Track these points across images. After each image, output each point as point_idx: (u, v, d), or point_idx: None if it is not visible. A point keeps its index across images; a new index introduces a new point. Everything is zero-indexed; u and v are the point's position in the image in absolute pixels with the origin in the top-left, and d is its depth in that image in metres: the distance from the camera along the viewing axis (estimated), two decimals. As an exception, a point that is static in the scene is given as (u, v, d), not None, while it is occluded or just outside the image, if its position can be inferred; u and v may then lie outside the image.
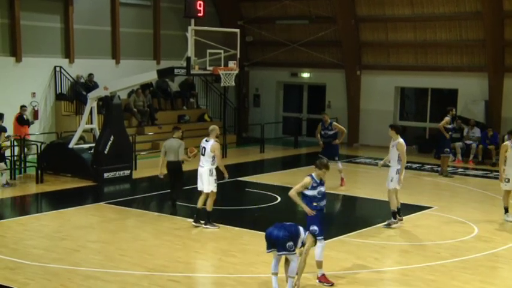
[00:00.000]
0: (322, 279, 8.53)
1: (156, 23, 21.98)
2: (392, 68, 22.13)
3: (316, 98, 24.33)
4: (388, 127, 12.11)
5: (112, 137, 15.49)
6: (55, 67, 19.04)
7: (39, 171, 15.20)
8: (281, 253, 7.97)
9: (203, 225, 11.30)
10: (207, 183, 11.16)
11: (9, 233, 10.99)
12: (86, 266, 9.14)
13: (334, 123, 15.32)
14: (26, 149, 16.43)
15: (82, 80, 19.60)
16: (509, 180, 12.24)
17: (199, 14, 14.35)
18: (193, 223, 11.39)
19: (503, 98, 20.11)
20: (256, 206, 13.42)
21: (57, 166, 15.96)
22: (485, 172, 17.99)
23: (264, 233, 8.24)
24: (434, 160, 19.37)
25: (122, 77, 18.23)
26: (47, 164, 15.74)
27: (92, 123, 16.56)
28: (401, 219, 11.79)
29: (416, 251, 10.31)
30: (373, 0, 21.60)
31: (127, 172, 15.90)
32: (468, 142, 19.58)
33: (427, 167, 18.61)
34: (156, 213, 12.69)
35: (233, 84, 14.63)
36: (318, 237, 8.40)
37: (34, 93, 18.56)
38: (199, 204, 11.39)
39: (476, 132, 19.68)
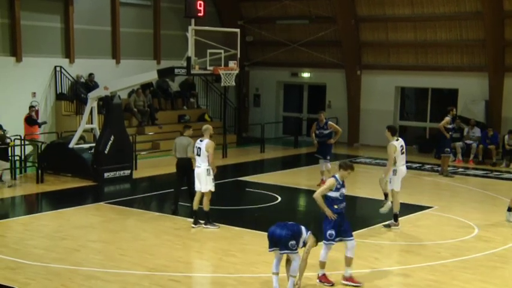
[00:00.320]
0: (323, 279, 8.54)
1: (157, 22, 21.98)
2: (393, 67, 22.14)
3: (317, 98, 24.33)
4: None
5: (112, 136, 15.49)
6: (55, 67, 19.04)
7: (40, 171, 15.21)
8: (283, 252, 7.98)
9: (203, 225, 11.30)
10: (204, 182, 11.15)
11: (10, 233, 11.00)
12: (86, 266, 9.14)
13: (330, 122, 15.22)
14: (31, 149, 16.47)
15: (82, 80, 19.61)
16: None
17: (199, 14, 14.36)
18: (193, 225, 11.38)
19: (503, 97, 20.12)
20: (257, 206, 13.41)
21: (57, 166, 15.97)
22: (485, 172, 18.00)
23: (265, 233, 8.25)
24: (435, 160, 19.37)
25: (122, 76, 18.23)
26: (47, 164, 15.74)
27: (92, 123, 16.57)
28: (397, 224, 11.76)
29: (416, 251, 10.31)
30: (373, 0, 21.59)
31: (127, 172, 15.91)
32: (468, 142, 19.58)
33: (427, 166, 18.61)
34: (157, 213, 12.69)
35: (233, 84, 14.64)
36: (329, 242, 8.35)
37: (34, 93, 18.56)
38: (195, 205, 11.39)
39: (477, 132, 19.68)
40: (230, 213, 12.88)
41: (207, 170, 11.09)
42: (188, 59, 13.85)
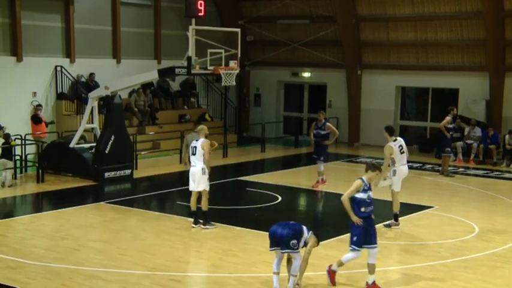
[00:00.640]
0: (331, 274, 8.44)
1: (157, 22, 21.98)
2: (393, 67, 22.13)
3: (317, 98, 24.32)
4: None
5: (113, 136, 15.50)
6: (56, 67, 19.04)
7: (40, 171, 15.21)
8: (284, 251, 7.98)
9: (202, 226, 11.27)
10: (199, 182, 11.11)
11: (10, 233, 11.01)
12: (87, 266, 9.15)
13: (328, 124, 15.00)
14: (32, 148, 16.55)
15: (83, 80, 19.61)
16: None
17: (200, 14, 14.37)
18: (193, 225, 11.37)
19: (504, 97, 20.10)
20: (257, 206, 13.41)
21: (58, 166, 15.97)
22: (486, 172, 17.99)
23: (265, 232, 8.24)
24: (435, 160, 19.36)
25: (122, 76, 18.23)
26: (47, 164, 15.75)
27: (92, 122, 16.57)
28: (397, 224, 11.78)
29: (417, 251, 10.31)
30: (374, 0, 21.59)
31: (128, 172, 15.91)
32: (469, 142, 19.57)
33: (427, 166, 18.61)
34: (157, 213, 12.69)
35: (234, 83, 14.64)
36: (354, 247, 8.22)
37: (35, 92, 18.57)
38: (193, 206, 11.37)
39: (477, 131, 19.67)
40: (231, 213, 12.89)
41: (202, 169, 11.08)
42: (189, 59, 13.85)
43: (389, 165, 11.55)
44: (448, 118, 16.89)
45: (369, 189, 8.30)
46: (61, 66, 19.10)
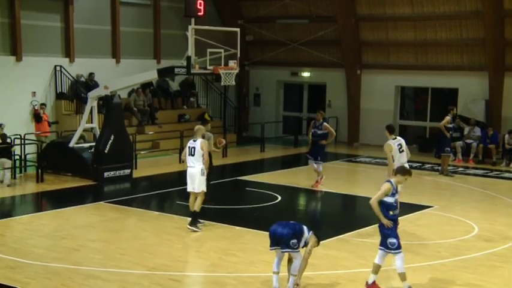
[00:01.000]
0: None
1: (157, 22, 21.97)
2: (393, 67, 22.13)
3: (317, 97, 24.32)
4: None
5: (112, 136, 15.49)
6: (55, 66, 19.04)
7: (40, 171, 15.21)
8: (285, 251, 7.98)
9: (188, 226, 11.12)
10: (198, 183, 11.02)
11: (10, 232, 11.00)
12: (86, 265, 9.14)
13: (325, 124, 14.89)
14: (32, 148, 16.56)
15: (82, 79, 19.61)
16: None
17: (199, 13, 14.37)
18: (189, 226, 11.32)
19: (503, 97, 20.11)
20: (257, 206, 13.41)
21: (57, 165, 15.96)
22: (485, 171, 18.00)
23: (265, 232, 8.24)
24: (435, 159, 19.36)
25: (122, 76, 18.23)
26: (47, 163, 15.74)
27: (92, 122, 16.57)
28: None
29: (416, 250, 10.31)
30: (374, 0, 21.58)
31: (127, 171, 15.91)
32: (468, 141, 19.58)
33: (427, 166, 18.61)
34: (156, 213, 12.69)
35: (233, 83, 14.64)
36: (396, 251, 8.07)
37: (34, 92, 18.56)
38: (192, 207, 11.31)
39: (477, 131, 19.68)
40: (230, 212, 12.89)
41: (202, 170, 11.04)
42: (188, 59, 13.85)
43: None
44: (448, 118, 16.90)
45: (396, 192, 8.20)
46: (60, 66, 19.10)
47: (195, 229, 11.06)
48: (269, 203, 13.53)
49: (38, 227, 11.38)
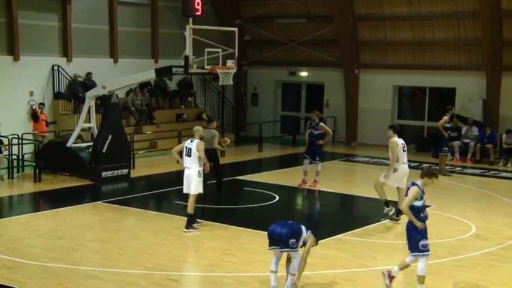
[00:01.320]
0: None
1: (154, 21, 21.95)
2: (391, 66, 22.15)
3: (315, 97, 24.33)
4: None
5: (110, 136, 15.48)
6: (53, 66, 19.01)
7: (37, 170, 15.18)
8: (283, 250, 7.98)
9: (184, 229, 11.06)
10: (195, 185, 10.97)
11: (7, 232, 10.98)
12: (84, 265, 9.13)
13: (321, 124, 14.85)
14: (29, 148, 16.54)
15: (80, 79, 19.58)
16: None
17: (197, 13, 14.35)
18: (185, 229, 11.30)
19: (500, 96, 20.14)
20: (255, 205, 13.41)
21: (55, 165, 15.94)
22: (483, 171, 18.02)
23: (263, 232, 8.24)
24: (433, 159, 19.38)
25: (120, 75, 18.20)
26: (44, 163, 15.72)
27: (90, 122, 16.55)
28: (398, 219, 11.85)
29: (414, 250, 10.31)
30: (371, -1, 21.64)
31: (125, 171, 15.89)
32: (466, 141, 19.61)
33: (425, 165, 18.61)
34: (154, 212, 12.68)
35: (231, 83, 14.63)
36: (426, 252, 8.03)
37: (32, 92, 18.53)
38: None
39: (474, 131, 19.71)
40: (228, 212, 12.89)
41: (198, 172, 11.01)
42: (186, 58, 13.84)
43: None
44: (446, 117, 16.92)
45: (424, 194, 8.16)
46: (58, 66, 19.07)
47: (192, 231, 11.05)
48: (267, 203, 13.53)
49: (35, 226, 11.37)
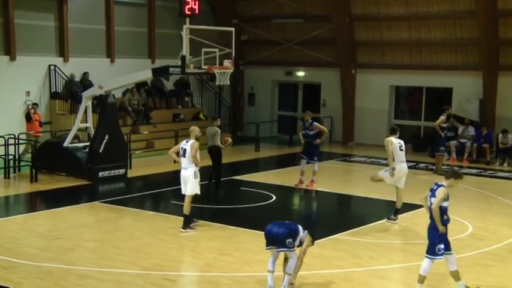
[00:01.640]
0: None
1: (151, 21, 21.94)
2: (387, 66, 22.17)
3: (311, 97, 24.34)
4: None
5: (107, 136, 15.46)
6: (49, 66, 18.98)
7: (34, 170, 15.15)
8: (280, 250, 7.98)
9: (181, 229, 11.04)
10: (190, 185, 10.93)
11: (4, 232, 10.95)
12: (80, 265, 9.12)
13: (315, 123, 14.88)
14: (22, 148, 16.45)
15: (77, 79, 19.55)
16: None
17: (194, 13, 14.33)
18: (182, 229, 11.29)
19: (497, 96, 20.17)
20: (252, 205, 13.41)
21: (51, 165, 15.91)
22: (479, 170, 18.05)
23: (260, 232, 8.24)
24: (429, 159, 19.40)
25: (116, 75, 18.19)
26: (41, 163, 15.69)
27: (86, 122, 16.52)
28: (395, 219, 11.88)
29: (411, 249, 10.34)
30: (368, -1, 21.65)
31: (122, 171, 15.87)
32: (463, 141, 19.63)
33: (421, 165, 18.65)
34: (151, 212, 12.67)
35: (228, 83, 14.64)
36: (438, 257, 8.03)
37: (28, 92, 18.51)
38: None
39: (471, 130, 19.74)
40: (225, 212, 12.88)
41: (194, 172, 10.97)
42: (183, 58, 13.84)
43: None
44: (442, 117, 16.95)
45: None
46: (55, 66, 19.04)
47: (189, 231, 11.04)
48: (264, 203, 13.53)
49: (32, 227, 11.34)
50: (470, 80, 20.55)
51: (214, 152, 14.09)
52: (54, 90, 19.16)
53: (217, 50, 14.32)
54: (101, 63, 20.31)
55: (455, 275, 8.21)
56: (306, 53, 23.34)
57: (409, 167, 16.92)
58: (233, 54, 14.63)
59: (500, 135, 18.99)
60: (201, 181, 11.20)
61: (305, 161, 14.95)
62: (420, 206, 13.34)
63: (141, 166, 17.37)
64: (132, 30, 21.55)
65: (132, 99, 20.17)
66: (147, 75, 15.58)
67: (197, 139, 11.16)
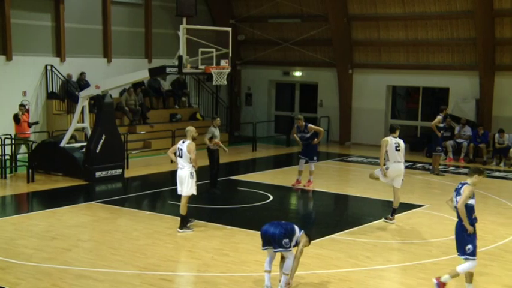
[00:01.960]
0: (441, 286, 8.16)
1: (148, 21, 21.92)
2: (384, 66, 22.20)
3: (308, 97, 24.36)
4: None
5: (103, 136, 15.44)
6: (46, 66, 18.95)
7: (30, 170, 15.13)
8: (277, 250, 7.99)
9: (178, 229, 11.04)
10: (187, 186, 10.92)
11: (0, 233, 10.93)
12: (77, 265, 9.11)
13: (310, 125, 14.89)
14: (14, 148, 16.34)
15: (73, 79, 19.52)
16: None
17: (191, 13, 14.33)
18: (178, 230, 11.28)
19: (494, 96, 20.21)
20: (249, 205, 13.41)
21: (48, 165, 15.89)
22: (476, 170, 18.05)
23: (256, 232, 8.24)
24: (426, 158, 19.44)
25: (113, 75, 18.18)
26: (38, 163, 15.66)
27: (83, 122, 16.50)
28: (392, 219, 11.91)
29: (407, 249, 10.35)
30: (365, -1, 21.67)
31: (119, 171, 15.86)
32: (459, 141, 19.67)
33: (418, 165, 18.67)
34: (148, 212, 12.66)
35: (225, 83, 14.63)
36: (472, 257, 7.94)
37: (25, 92, 18.47)
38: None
39: (467, 130, 19.77)
40: (222, 212, 12.88)
41: (191, 173, 10.97)
42: (180, 58, 13.83)
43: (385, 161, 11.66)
44: (439, 117, 16.97)
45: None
46: (51, 66, 19.01)
47: (186, 231, 11.03)
48: (261, 203, 13.53)
49: (28, 227, 11.32)
50: (467, 80, 20.59)
51: (213, 151, 14.25)
52: (51, 90, 19.13)
53: (214, 50, 14.32)
54: (97, 63, 20.30)
55: (469, 277, 8.22)
56: (302, 53, 23.36)
57: (406, 167, 16.95)
58: (230, 54, 14.63)
59: (496, 135, 19.02)
60: (197, 182, 11.20)
61: (303, 161, 14.97)
62: (417, 206, 13.40)
63: (138, 166, 17.36)
64: (129, 30, 21.53)
65: (129, 99, 20.15)
66: (144, 75, 15.56)
67: (193, 139, 11.16)
